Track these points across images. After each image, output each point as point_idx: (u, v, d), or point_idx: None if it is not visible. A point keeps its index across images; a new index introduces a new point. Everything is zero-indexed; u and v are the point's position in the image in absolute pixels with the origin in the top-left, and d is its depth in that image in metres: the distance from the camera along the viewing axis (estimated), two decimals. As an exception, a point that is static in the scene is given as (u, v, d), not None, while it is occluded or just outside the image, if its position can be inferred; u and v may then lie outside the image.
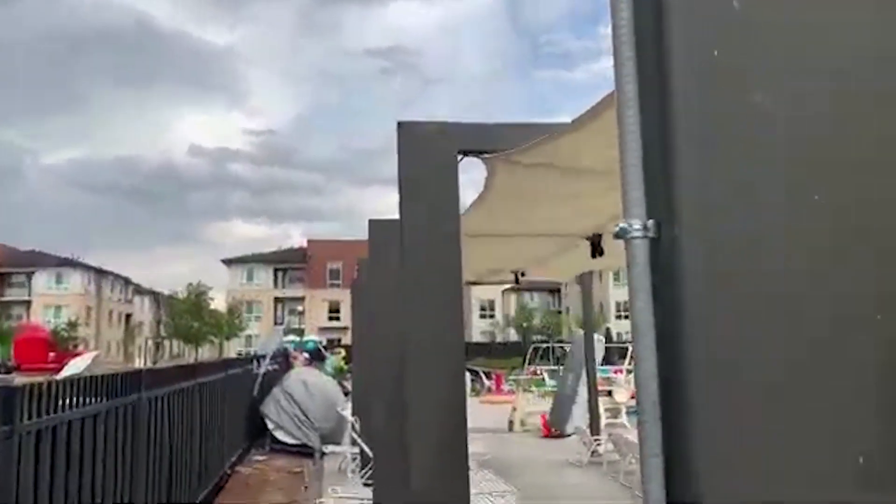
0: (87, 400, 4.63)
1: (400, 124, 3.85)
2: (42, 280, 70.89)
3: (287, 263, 75.04)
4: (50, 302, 69.01)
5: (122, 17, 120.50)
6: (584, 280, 12.49)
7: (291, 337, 35.97)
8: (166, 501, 6.57)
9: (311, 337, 46.76)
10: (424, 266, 3.78)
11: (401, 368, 6.73)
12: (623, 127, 1.08)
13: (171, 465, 6.76)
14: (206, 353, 62.39)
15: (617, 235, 1.12)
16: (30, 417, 3.72)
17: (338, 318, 70.95)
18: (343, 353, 33.62)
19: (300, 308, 69.87)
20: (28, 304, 69.66)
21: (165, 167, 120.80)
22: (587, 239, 6.62)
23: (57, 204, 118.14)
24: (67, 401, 4.29)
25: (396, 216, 6.93)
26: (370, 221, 6.79)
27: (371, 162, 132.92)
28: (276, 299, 73.62)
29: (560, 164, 3.84)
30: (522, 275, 9.28)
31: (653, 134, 1.04)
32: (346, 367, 26.62)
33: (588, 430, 11.66)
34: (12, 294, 70.02)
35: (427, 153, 3.83)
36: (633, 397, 18.59)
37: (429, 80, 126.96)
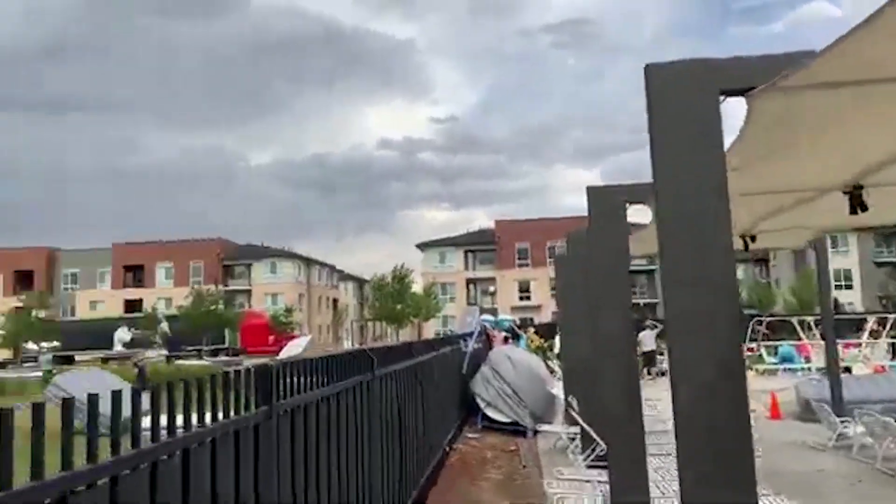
0: (329, 379, 4.67)
1: (647, 67, 3.41)
2: (259, 270, 77.73)
3: (476, 245, 76.30)
4: (267, 290, 75.55)
5: (309, 23, 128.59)
6: (817, 246, 11.19)
7: (487, 316, 36.40)
8: (400, 477, 6.64)
9: (505, 316, 47.15)
10: (686, 226, 3.32)
11: (629, 344, 6.29)
12: None
13: (401, 442, 6.83)
14: (405, 333, 65.11)
15: None
16: (284, 397, 3.75)
17: (528, 298, 71.12)
18: (532, 331, 33.46)
19: (491, 288, 70.79)
20: (249, 292, 76.69)
21: (358, 161, 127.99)
22: (844, 192, 5.73)
23: (267, 200, 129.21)
24: (313, 380, 4.33)
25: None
26: (588, 189, 6.39)
27: (553, 140, 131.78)
28: (468, 280, 75.16)
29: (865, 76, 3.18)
30: (752, 239, 8.39)
31: None
32: (545, 346, 26.40)
33: (831, 411, 10.46)
34: (234, 284, 77.35)
35: (682, 98, 3.35)
36: (877, 371, 16.57)
37: (608, 49, 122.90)
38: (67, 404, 2.08)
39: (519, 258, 73.18)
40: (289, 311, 61.95)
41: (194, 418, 2.80)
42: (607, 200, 6.17)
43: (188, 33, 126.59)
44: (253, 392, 3.40)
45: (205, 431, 2.84)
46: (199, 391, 2.86)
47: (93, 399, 2.19)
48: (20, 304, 65.36)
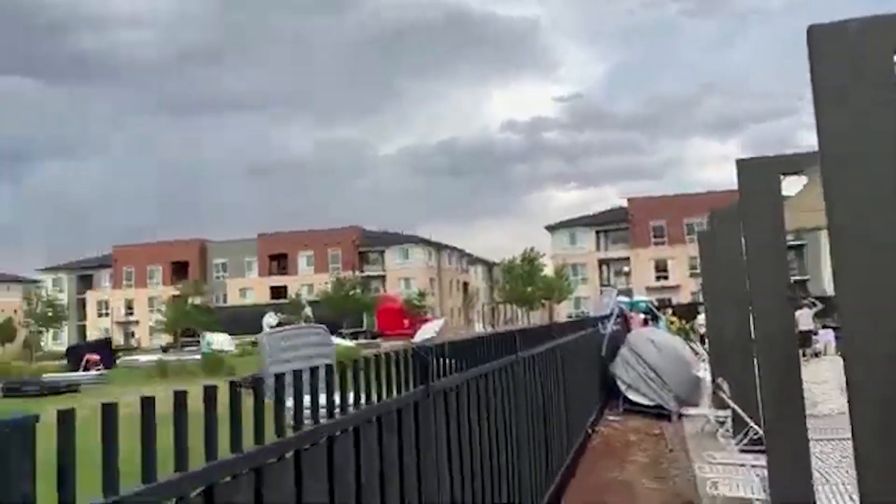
0: (476, 361, 4.76)
1: (812, 29, 3.20)
2: (392, 256, 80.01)
3: (608, 225, 74.70)
4: (400, 275, 77.67)
5: (433, 9, 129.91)
6: None
7: (622, 297, 35.64)
8: (545, 459, 6.68)
9: (641, 297, 45.97)
10: (858, 197, 3.11)
11: (787, 324, 5.97)
12: None
13: (545, 423, 6.86)
14: (536, 316, 64.96)
15: None
16: (438, 377, 3.86)
17: (665, 277, 68.91)
18: (671, 312, 32.33)
19: (626, 268, 69.11)
20: (383, 278, 79.17)
21: (484, 144, 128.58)
22: None
23: (396, 188, 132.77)
24: (463, 362, 4.42)
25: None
26: (738, 162, 6.09)
27: (685, 112, 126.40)
28: (601, 261, 73.79)
29: None
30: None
31: None
32: (686, 327, 25.51)
33: None
34: (369, 270, 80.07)
35: (851, 59, 3.13)
36: None
37: (737, 15, 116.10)
38: (258, 382, 2.25)
39: (654, 236, 70.95)
40: (421, 294, 63.44)
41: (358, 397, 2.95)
42: (759, 173, 5.86)
43: (318, 29, 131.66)
44: (411, 372, 3.52)
45: (373, 408, 2.98)
46: (365, 371, 3.00)
47: (280, 379, 2.36)
48: (177, 293, 70.81)
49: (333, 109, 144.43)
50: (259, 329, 55.26)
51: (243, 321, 62.31)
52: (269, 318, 60.13)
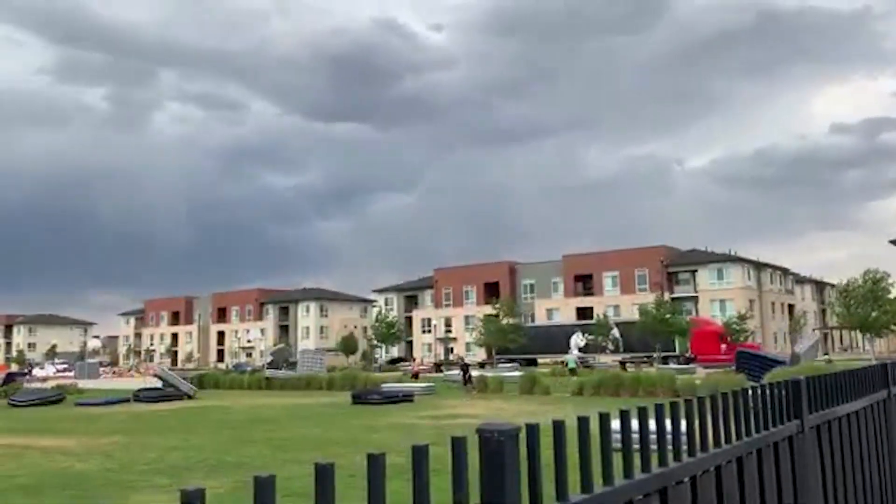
0: (845, 396, 4.34)
1: None
2: (704, 276, 75.90)
3: (975, 237, 62.61)
4: (714, 296, 73.36)
5: (741, 12, 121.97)
6: None
7: None
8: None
9: None
10: None
11: None
12: None
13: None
14: (882, 344, 56.56)
15: None
16: (811, 412, 3.61)
17: None
18: None
19: None
20: (695, 299, 75.42)
21: (805, 151, 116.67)
22: None
23: (706, 203, 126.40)
24: (832, 395, 4.07)
25: None
26: None
27: None
28: (970, 280, 61.91)
29: None
30: None
31: None
32: None
33: None
34: (679, 290, 76.85)
35: None
36: None
37: None
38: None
39: None
40: (741, 317, 58.92)
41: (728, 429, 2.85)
42: None
43: (622, 48, 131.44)
44: (783, 405, 3.34)
45: (752, 441, 2.89)
46: (740, 403, 2.91)
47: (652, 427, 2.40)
48: (491, 312, 74.88)
49: (638, 127, 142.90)
50: (565, 349, 56.28)
51: (551, 340, 64.01)
52: (577, 339, 60.93)
